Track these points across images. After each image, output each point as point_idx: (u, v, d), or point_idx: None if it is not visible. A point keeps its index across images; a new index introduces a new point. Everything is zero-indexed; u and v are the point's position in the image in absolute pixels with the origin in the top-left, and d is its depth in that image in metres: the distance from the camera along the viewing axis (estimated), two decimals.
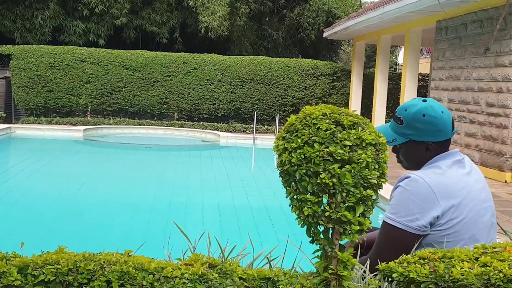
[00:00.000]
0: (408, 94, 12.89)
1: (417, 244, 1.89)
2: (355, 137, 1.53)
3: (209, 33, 17.89)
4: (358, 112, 15.47)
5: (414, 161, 2.15)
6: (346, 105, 17.39)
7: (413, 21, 12.20)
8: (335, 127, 1.55)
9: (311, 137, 1.54)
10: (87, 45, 17.89)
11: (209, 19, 17.52)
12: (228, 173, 10.02)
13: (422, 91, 17.10)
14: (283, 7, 21.53)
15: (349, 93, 17.28)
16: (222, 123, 16.73)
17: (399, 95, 14.83)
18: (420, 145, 2.12)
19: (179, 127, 16.14)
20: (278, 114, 15.35)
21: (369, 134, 1.55)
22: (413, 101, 2.15)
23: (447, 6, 9.80)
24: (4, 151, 12.58)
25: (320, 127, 1.54)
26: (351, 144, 1.52)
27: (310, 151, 1.52)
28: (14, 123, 15.58)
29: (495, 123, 8.91)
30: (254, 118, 14.84)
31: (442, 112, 2.11)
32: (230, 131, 15.93)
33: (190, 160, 12.22)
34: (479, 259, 1.56)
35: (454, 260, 1.56)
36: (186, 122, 16.65)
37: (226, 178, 9.53)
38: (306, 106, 1.67)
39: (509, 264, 1.52)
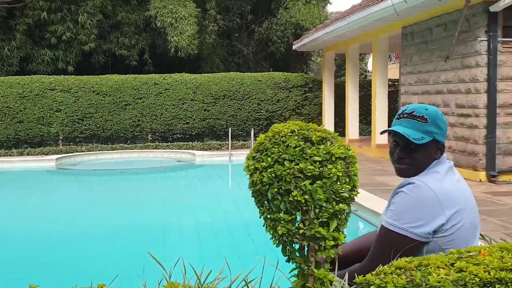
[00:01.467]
0: (379, 100, 13.05)
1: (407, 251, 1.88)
2: (324, 152, 1.53)
3: (179, 52, 17.90)
4: (331, 123, 15.52)
5: (426, 163, 2.10)
6: (320, 114, 17.51)
7: (380, 29, 12.39)
8: (304, 144, 1.55)
9: (281, 155, 1.54)
10: (56, 73, 17.75)
11: (178, 39, 17.53)
12: (206, 192, 9.97)
13: (393, 96, 17.31)
14: (251, 22, 21.67)
15: (321, 103, 17.41)
16: (197, 142, 16.67)
17: (371, 102, 14.97)
18: (436, 145, 2.13)
19: (153, 149, 16.03)
20: (252, 129, 15.36)
21: (338, 148, 1.56)
22: (421, 104, 2.18)
23: (404, 14, 10.25)
24: None
25: (290, 145, 1.55)
26: (321, 159, 1.52)
27: (280, 169, 1.52)
28: None
29: (466, 123, 9.06)
30: (229, 135, 14.84)
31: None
32: (206, 149, 15.88)
33: (166, 182, 12.14)
34: (455, 265, 1.57)
35: (430, 268, 1.56)
36: (161, 143, 16.55)
37: (204, 197, 9.47)
38: (274, 124, 1.67)
39: (484, 268, 1.53)
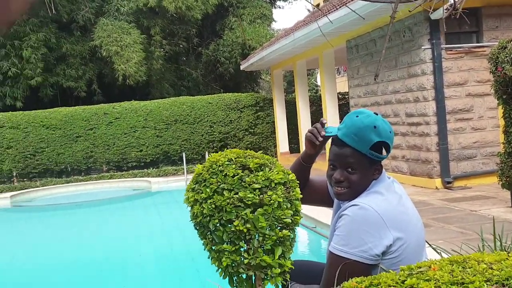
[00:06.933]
0: (330, 114, 13.20)
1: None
2: (263, 178, 1.51)
3: (127, 80, 17.74)
4: (285, 141, 15.41)
5: (365, 185, 2.05)
6: (273, 133, 17.59)
7: (324, 43, 12.56)
8: (242, 172, 1.53)
9: (219, 185, 1.50)
10: (4, 110, 17.31)
11: (125, 67, 17.38)
12: (163, 219, 9.82)
13: (344, 109, 17.58)
14: (198, 45, 21.69)
15: (274, 121, 17.50)
16: (153, 168, 16.48)
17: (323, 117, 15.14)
18: (374, 166, 2.07)
19: (108, 179, 15.75)
20: (207, 152, 15.28)
21: (277, 173, 1.54)
22: (366, 112, 2.07)
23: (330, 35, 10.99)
24: None
25: (228, 174, 1.51)
26: (260, 186, 1.50)
27: (220, 199, 1.48)
28: None
29: (418, 132, 9.21)
30: (183, 159, 14.71)
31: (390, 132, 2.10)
32: (161, 176, 15.69)
33: (123, 212, 11.90)
34: (405, 282, 1.55)
35: (381, 287, 1.54)
36: (115, 173, 16.28)
37: (161, 224, 9.33)
38: (212, 154, 1.64)
39: (435, 283, 1.52)
